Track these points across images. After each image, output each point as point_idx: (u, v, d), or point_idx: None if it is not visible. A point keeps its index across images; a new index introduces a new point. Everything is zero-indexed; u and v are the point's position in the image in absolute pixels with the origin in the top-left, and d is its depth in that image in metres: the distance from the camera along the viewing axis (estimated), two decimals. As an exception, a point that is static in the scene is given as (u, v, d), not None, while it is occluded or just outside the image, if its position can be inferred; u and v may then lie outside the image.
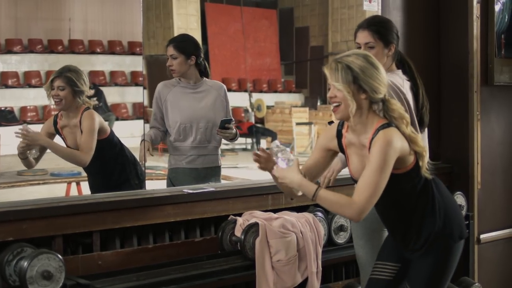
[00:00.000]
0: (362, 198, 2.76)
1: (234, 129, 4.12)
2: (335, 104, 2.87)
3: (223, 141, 4.21)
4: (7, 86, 9.98)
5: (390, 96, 2.97)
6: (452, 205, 3.06)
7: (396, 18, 4.78)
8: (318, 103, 12.15)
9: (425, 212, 2.95)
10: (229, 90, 13.70)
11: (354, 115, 2.85)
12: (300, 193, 2.98)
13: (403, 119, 2.86)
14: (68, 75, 3.94)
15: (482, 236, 4.99)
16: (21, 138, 3.78)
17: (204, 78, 4.18)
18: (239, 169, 9.54)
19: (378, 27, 3.44)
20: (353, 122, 2.89)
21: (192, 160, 4.10)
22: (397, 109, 2.87)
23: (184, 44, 4.15)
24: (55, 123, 3.91)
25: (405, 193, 2.94)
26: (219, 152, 4.22)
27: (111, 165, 3.96)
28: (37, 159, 3.89)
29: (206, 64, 4.20)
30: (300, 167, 2.92)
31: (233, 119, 4.15)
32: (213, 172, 4.15)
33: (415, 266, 3.01)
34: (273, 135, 11.60)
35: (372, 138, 2.83)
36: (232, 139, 4.17)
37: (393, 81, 3.31)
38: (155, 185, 4.23)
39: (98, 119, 3.88)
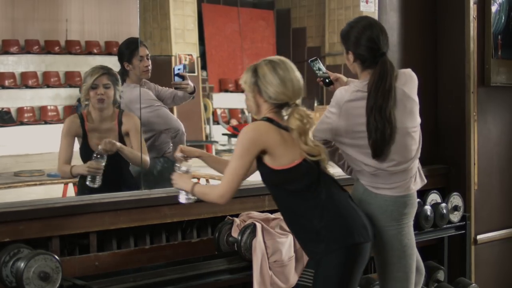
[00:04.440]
0: (223, 183, 2.99)
1: (190, 82, 4.15)
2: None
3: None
4: (3, 87, 9.98)
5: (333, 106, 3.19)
6: (342, 210, 3.04)
7: (393, 19, 4.78)
8: (315, 104, 12.15)
9: (302, 210, 3.02)
10: (226, 91, 13.75)
11: (256, 114, 3.11)
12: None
13: (302, 130, 2.99)
14: (113, 73, 3.81)
15: (479, 236, 4.99)
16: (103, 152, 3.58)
17: None
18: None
19: (341, 31, 3.36)
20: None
21: None
22: (298, 118, 2.99)
23: None
24: (83, 124, 3.77)
25: (279, 188, 3.05)
26: None
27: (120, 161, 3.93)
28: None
29: None
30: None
31: (186, 65, 4.20)
32: None
33: (317, 274, 3.04)
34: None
35: None
36: (192, 92, 4.18)
37: (337, 92, 3.27)
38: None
39: None
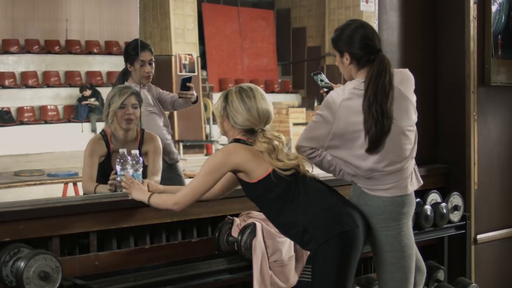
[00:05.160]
0: (182, 193, 3.18)
1: (195, 92, 4.16)
2: None
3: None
4: (4, 87, 9.98)
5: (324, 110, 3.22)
6: (323, 204, 3.15)
7: (393, 18, 4.78)
8: (315, 104, 12.16)
9: (287, 212, 3.15)
10: (226, 90, 13.57)
11: (228, 137, 3.30)
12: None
13: (271, 150, 3.16)
14: (139, 93, 3.78)
15: (479, 236, 4.99)
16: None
17: None
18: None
19: (332, 37, 3.35)
20: None
21: None
22: (264, 141, 3.16)
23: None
24: (108, 145, 3.74)
25: (262, 198, 3.21)
26: None
27: None
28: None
29: None
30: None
31: (191, 76, 4.24)
32: None
33: (313, 269, 3.14)
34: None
35: None
36: (194, 102, 4.21)
37: (331, 94, 3.26)
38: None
39: None
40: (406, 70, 3.33)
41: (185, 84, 4.13)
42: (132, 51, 4.07)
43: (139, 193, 3.28)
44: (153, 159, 3.80)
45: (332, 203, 3.17)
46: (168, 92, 4.33)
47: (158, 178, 3.76)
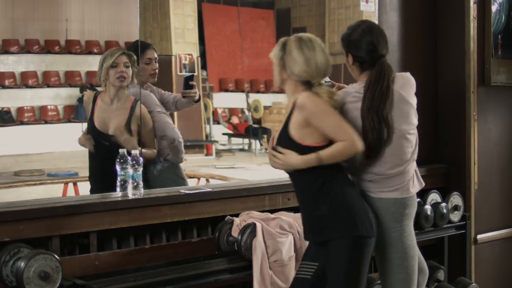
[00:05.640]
0: (345, 136, 2.99)
1: (197, 90, 4.21)
2: None
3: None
4: (4, 87, 9.99)
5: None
6: (351, 202, 3.07)
7: (393, 18, 4.78)
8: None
9: (314, 192, 3.07)
10: (226, 90, 13.68)
11: (284, 87, 3.16)
12: None
13: (335, 108, 3.07)
14: (131, 54, 3.84)
15: (479, 236, 4.99)
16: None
17: None
18: (236, 170, 9.56)
19: (342, 35, 3.37)
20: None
21: None
22: (326, 96, 3.05)
23: None
24: (95, 100, 3.85)
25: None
26: None
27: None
28: None
29: None
30: None
31: (194, 74, 4.24)
32: None
33: (325, 267, 3.11)
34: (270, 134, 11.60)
35: (294, 106, 3.05)
36: (197, 100, 4.23)
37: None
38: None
39: None
40: (407, 74, 3.34)
41: (188, 83, 4.13)
42: (134, 52, 4.09)
43: (299, 158, 3.05)
44: (145, 133, 3.88)
45: (358, 205, 3.10)
46: (170, 92, 4.33)
47: (155, 149, 3.89)
